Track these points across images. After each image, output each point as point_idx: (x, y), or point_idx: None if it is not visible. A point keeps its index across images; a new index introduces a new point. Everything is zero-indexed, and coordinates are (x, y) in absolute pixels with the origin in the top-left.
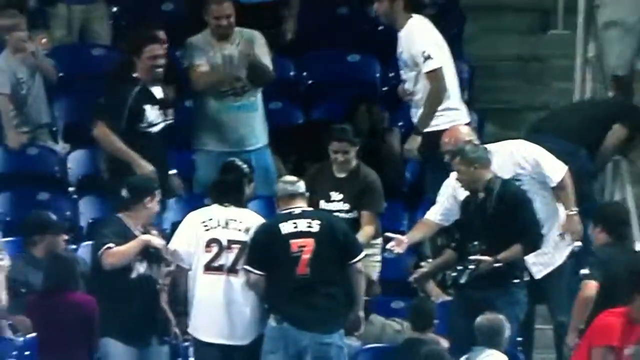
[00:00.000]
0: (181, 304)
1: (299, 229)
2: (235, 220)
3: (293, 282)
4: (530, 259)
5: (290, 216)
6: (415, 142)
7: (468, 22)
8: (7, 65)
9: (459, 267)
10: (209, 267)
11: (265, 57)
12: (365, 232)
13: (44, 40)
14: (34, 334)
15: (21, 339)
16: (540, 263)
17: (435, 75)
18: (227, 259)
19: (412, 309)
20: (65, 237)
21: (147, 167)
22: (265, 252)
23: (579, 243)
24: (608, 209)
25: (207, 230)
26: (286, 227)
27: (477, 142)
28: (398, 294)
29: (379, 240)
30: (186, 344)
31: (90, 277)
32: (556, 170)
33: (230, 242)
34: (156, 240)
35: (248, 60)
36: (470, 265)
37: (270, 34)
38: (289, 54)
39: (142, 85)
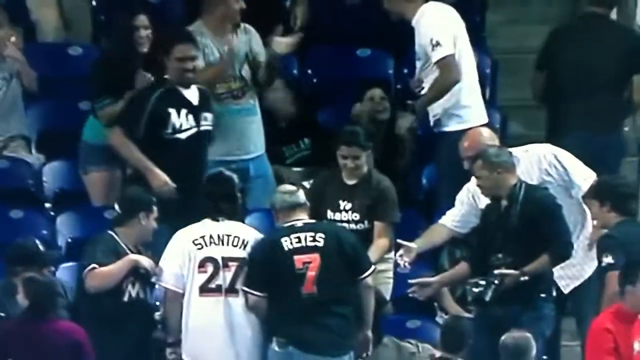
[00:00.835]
0: (173, 334)
1: (302, 244)
2: (230, 235)
3: (299, 302)
4: (557, 272)
5: (292, 230)
6: (407, 120)
7: (490, 11)
8: None
9: (482, 282)
10: (204, 289)
11: (262, 55)
12: (378, 246)
13: (12, 39)
14: None
15: None
16: (568, 277)
17: (445, 64)
18: (225, 278)
19: (445, 328)
20: (52, 268)
21: (161, 178)
22: (266, 270)
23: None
24: (612, 183)
25: (200, 248)
26: (288, 242)
27: (497, 143)
28: (414, 312)
29: (392, 255)
30: None
31: (77, 301)
32: (585, 178)
33: (227, 259)
34: (145, 261)
35: (267, 59)
36: (495, 280)
37: (273, 20)
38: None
39: (167, 88)
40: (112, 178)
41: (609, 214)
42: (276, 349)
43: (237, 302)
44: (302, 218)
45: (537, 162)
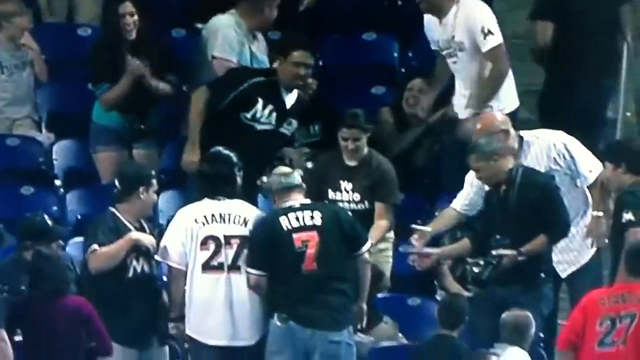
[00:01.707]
0: (176, 310)
1: (301, 223)
2: (231, 214)
3: (299, 280)
4: (555, 256)
5: (290, 210)
6: (472, 124)
7: None
8: None
9: (481, 263)
10: (206, 267)
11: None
12: (379, 226)
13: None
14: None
15: None
16: (566, 261)
17: (498, 53)
18: (227, 256)
19: (442, 306)
20: (62, 243)
21: (193, 155)
22: (266, 250)
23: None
24: (625, 145)
25: (202, 226)
26: (287, 222)
27: (512, 130)
28: (414, 291)
29: (392, 234)
30: (186, 345)
31: (84, 278)
32: (592, 169)
33: (228, 237)
34: (145, 238)
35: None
36: (493, 261)
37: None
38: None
39: (270, 80)
40: (121, 158)
41: (624, 176)
42: (278, 324)
43: (239, 279)
44: (299, 199)
45: (546, 149)
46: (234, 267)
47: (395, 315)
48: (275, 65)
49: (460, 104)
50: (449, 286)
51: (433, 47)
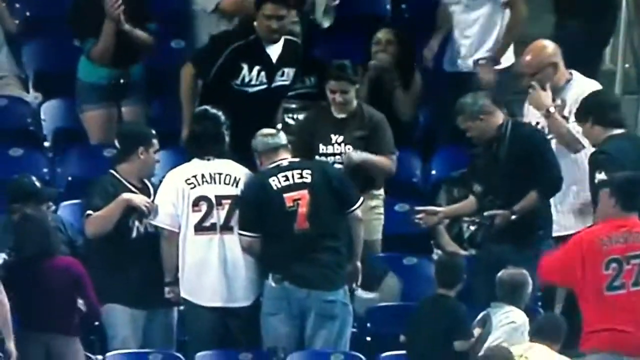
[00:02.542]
0: (171, 273)
1: (290, 182)
2: (222, 174)
3: (292, 239)
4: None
5: (278, 169)
6: (492, 73)
7: None
8: None
9: (475, 223)
10: (199, 228)
11: None
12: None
13: None
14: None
15: None
16: (559, 223)
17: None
18: (219, 216)
19: (439, 265)
20: (52, 204)
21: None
22: (257, 211)
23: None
24: (590, 96)
25: (193, 187)
26: (277, 181)
27: (562, 64)
28: (410, 250)
29: (382, 191)
30: (181, 308)
31: (87, 241)
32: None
33: (220, 197)
34: (138, 199)
35: None
36: (486, 221)
37: None
38: None
39: (248, 41)
40: (110, 116)
41: (594, 130)
42: (272, 284)
43: (232, 240)
44: (286, 157)
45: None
46: (226, 227)
47: None
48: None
49: (466, 55)
50: (445, 245)
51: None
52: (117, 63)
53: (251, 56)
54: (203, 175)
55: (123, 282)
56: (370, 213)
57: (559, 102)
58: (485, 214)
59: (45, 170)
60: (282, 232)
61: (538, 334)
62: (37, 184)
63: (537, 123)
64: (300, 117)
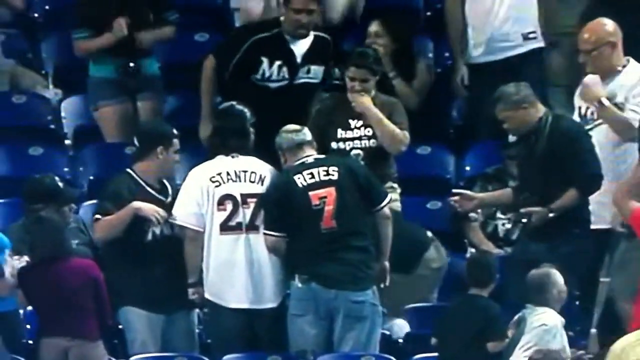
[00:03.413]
0: (195, 274)
1: (316, 179)
2: (247, 171)
3: (318, 238)
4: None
5: (304, 166)
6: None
7: None
8: None
9: (511, 221)
10: (224, 227)
11: None
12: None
13: None
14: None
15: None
16: (599, 215)
17: None
18: (245, 215)
19: (471, 264)
20: (74, 206)
21: (206, 131)
22: (282, 210)
23: None
24: None
25: (218, 186)
26: (302, 179)
27: (620, 43)
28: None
29: (396, 185)
30: (205, 310)
31: (104, 242)
32: None
33: (245, 196)
34: (148, 209)
35: None
36: (522, 219)
37: None
38: None
39: (270, 34)
40: (124, 111)
41: None
42: (299, 285)
43: (258, 239)
44: (311, 154)
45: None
46: (252, 226)
47: None
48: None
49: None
50: (479, 243)
51: None
52: (120, 53)
53: (272, 50)
54: (228, 173)
55: (140, 285)
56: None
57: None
58: (522, 210)
59: (65, 169)
60: (308, 231)
61: None
62: (60, 184)
63: (588, 108)
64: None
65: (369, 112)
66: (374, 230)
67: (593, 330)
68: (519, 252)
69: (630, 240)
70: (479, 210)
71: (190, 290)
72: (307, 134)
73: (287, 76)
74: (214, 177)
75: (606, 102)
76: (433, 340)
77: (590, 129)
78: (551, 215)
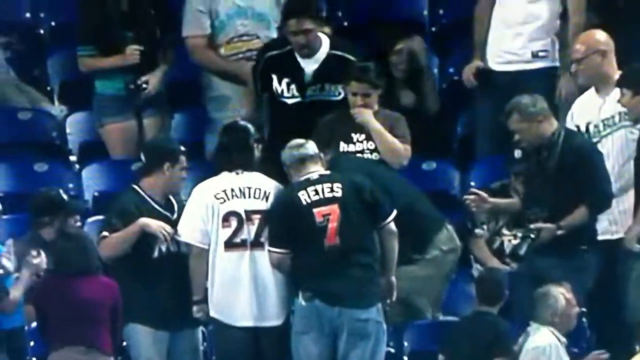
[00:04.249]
0: (199, 291)
1: (320, 196)
2: (251, 188)
3: (322, 255)
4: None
5: (308, 183)
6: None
7: None
8: None
9: (519, 236)
10: (229, 244)
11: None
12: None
13: None
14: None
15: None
16: (616, 223)
17: None
18: (249, 232)
19: (481, 281)
20: (78, 217)
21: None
22: (286, 227)
23: None
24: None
25: (222, 202)
26: (306, 196)
27: (612, 53)
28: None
29: None
30: (210, 327)
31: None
32: None
33: (250, 212)
34: (155, 225)
35: None
36: (531, 235)
37: None
38: None
39: (281, 52)
40: (130, 128)
41: None
42: (303, 303)
43: (263, 256)
44: (316, 170)
45: None
46: (257, 243)
47: None
48: None
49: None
50: (485, 260)
51: None
52: (127, 69)
53: (282, 68)
54: (232, 190)
55: (146, 302)
56: None
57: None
58: (531, 226)
59: (71, 185)
60: (312, 248)
61: None
62: (64, 196)
63: (588, 124)
64: None
65: (370, 125)
66: (379, 246)
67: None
68: (525, 267)
69: None
70: (484, 227)
71: (195, 308)
72: (310, 148)
73: (296, 94)
74: (218, 193)
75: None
76: (440, 357)
77: (597, 143)
78: (560, 232)
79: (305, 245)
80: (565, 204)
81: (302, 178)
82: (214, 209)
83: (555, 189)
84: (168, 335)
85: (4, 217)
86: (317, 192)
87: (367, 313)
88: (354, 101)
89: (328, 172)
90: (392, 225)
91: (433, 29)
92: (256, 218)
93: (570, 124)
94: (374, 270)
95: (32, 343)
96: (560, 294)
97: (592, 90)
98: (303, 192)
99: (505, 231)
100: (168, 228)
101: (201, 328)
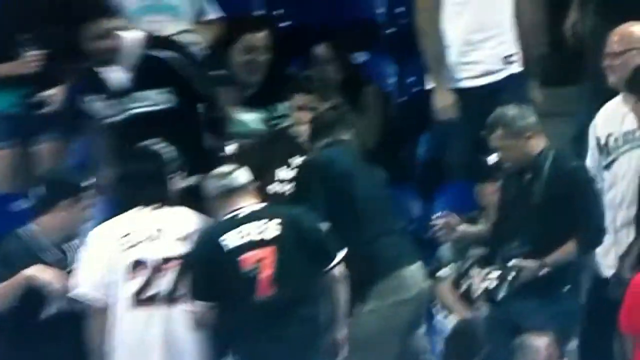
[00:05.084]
0: (98, 358)
1: (250, 238)
2: (164, 229)
3: (253, 311)
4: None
5: (233, 223)
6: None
7: None
8: None
9: (494, 276)
10: (137, 300)
11: None
12: None
13: None
14: None
15: None
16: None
17: None
18: (162, 284)
19: (453, 336)
20: None
21: None
22: (208, 276)
23: None
24: None
25: (128, 248)
26: (231, 239)
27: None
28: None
29: None
30: None
31: None
32: None
33: (163, 260)
34: (44, 276)
35: None
36: (509, 275)
37: None
38: None
39: None
40: (15, 155)
41: None
42: None
43: (178, 314)
44: (245, 204)
45: None
46: (171, 298)
47: None
48: None
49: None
50: (450, 305)
51: None
52: (27, 81)
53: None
54: (141, 232)
55: None
56: None
57: None
58: (511, 263)
59: None
60: (240, 302)
61: None
62: None
63: (609, 136)
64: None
65: None
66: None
67: None
68: (501, 312)
69: None
70: (448, 269)
71: None
72: (239, 176)
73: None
74: (123, 237)
75: None
76: None
77: (614, 160)
78: (544, 271)
79: (231, 298)
80: (550, 238)
81: (227, 216)
82: (115, 258)
83: (539, 219)
84: None
85: None
86: (243, 235)
87: None
88: (299, 117)
89: (261, 206)
90: (338, 271)
91: (392, 29)
92: (171, 266)
93: (591, 138)
94: (317, 323)
95: None
96: (541, 345)
97: (620, 97)
98: (225, 236)
99: (475, 270)
100: (63, 279)
101: None
